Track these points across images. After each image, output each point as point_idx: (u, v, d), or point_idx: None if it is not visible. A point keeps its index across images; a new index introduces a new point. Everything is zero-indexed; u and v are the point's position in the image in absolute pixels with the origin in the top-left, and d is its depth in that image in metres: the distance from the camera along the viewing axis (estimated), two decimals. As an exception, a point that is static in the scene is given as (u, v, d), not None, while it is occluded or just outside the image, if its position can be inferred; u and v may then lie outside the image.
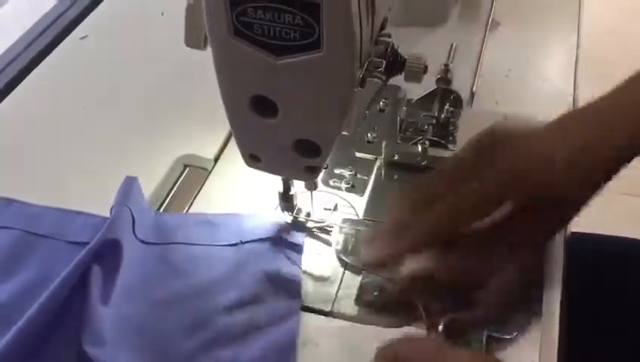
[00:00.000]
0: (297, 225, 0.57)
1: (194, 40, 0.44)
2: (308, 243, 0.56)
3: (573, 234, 0.62)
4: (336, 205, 0.58)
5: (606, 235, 0.72)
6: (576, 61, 0.72)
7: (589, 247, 0.70)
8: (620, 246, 0.72)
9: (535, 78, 0.71)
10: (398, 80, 0.49)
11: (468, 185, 0.43)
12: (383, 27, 0.47)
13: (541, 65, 0.72)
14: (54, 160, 0.65)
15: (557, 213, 0.46)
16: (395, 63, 0.45)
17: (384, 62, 0.43)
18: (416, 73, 0.46)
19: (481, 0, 0.81)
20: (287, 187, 0.55)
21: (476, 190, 0.43)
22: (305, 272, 0.53)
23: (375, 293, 0.51)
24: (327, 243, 0.55)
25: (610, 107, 0.47)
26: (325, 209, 0.58)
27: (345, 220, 0.57)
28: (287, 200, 0.56)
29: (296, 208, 0.57)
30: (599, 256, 0.69)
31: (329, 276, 0.53)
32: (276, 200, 0.57)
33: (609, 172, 0.45)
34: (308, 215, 0.57)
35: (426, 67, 0.46)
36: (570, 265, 0.53)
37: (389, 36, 0.45)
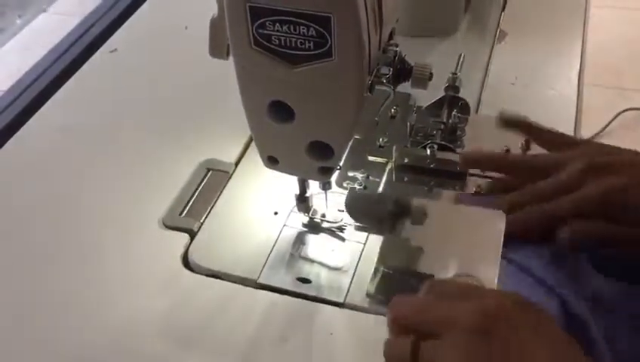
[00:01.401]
0: (313, 225, 0.60)
1: (217, 51, 0.48)
2: (323, 241, 0.59)
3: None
4: None
5: None
6: (580, 70, 0.75)
7: None
8: None
9: (540, 86, 0.73)
10: (406, 87, 0.53)
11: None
12: (391, 37, 0.51)
13: (546, 74, 0.74)
14: (87, 165, 0.69)
15: None
16: (402, 71, 0.49)
17: (391, 69, 0.47)
18: (423, 80, 0.49)
19: (489, 11, 0.84)
20: (303, 189, 0.58)
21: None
22: (321, 264, 0.57)
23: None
24: (342, 239, 0.59)
25: None
26: (339, 210, 0.61)
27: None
28: (303, 201, 0.59)
29: (312, 209, 0.60)
30: None
31: (342, 266, 0.56)
32: (293, 201, 0.60)
33: None
34: (323, 215, 0.60)
35: (432, 74, 0.49)
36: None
37: (397, 45, 0.49)
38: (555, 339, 0.39)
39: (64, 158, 0.70)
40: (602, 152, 0.55)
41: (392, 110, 0.69)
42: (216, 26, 0.46)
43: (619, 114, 1.79)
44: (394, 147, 0.64)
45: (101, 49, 0.83)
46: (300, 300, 0.55)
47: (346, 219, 0.60)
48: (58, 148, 0.71)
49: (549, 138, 0.57)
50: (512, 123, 0.58)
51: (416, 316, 0.41)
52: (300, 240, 0.59)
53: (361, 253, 0.57)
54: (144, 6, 0.92)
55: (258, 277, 0.56)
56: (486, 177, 0.62)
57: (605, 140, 1.74)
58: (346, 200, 0.59)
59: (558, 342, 0.39)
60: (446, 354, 0.38)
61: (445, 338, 0.39)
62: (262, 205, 0.62)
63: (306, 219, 0.60)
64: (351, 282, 0.55)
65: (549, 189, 0.52)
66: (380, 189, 0.62)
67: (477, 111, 0.70)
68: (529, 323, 0.39)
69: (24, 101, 0.80)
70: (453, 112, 0.65)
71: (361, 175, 0.63)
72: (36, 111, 0.76)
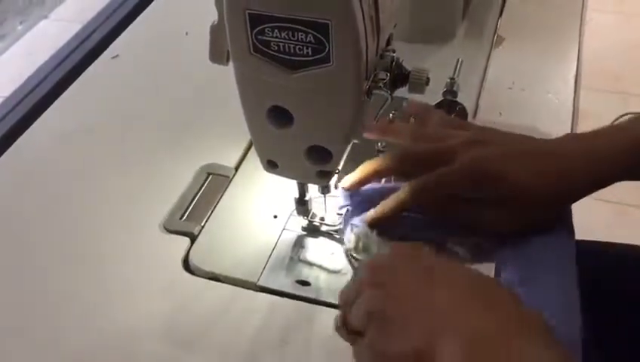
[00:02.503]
0: (312, 229, 0.61)
1: (217, 56, 0.48)
2: (322, 244, 0.60)
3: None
4: (348, 209, 0.62)
5: (607, 242, 0.74)
6: (576, 74, 0.76)
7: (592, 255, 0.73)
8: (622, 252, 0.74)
9: (537, 90, 0.74)
10: (405, 92, 0.53)
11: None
12: (388, 42, 0.52)
13: (543, 79, 0.75)
14: (88, 170, 0.70)
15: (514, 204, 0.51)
16: (400, 76, 0.50)
17: (389, 74, 0.48)
18: (420, 85, 0.50)
19: (486, 17, 0.85)
20: (302, 192, 0.59)
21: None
22: (320, 267, 0.57)
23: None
24: (341, 242, 0.59)
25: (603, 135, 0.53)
26: (338, 213, 0.62)
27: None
28: (302, 204, 0.60)
29: (311, 213, 0.61)
30: (601, 263, 0.71)
31: (340, 269, 0.57)
32: (292, 205, 0.61)
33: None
34: (322, 219, 0.61)
35: (428, 79, 0.50)
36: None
37: (394, 51, 0.49)
38: (456, 281, 0.42)
39: (65, 163, 0.71)
40: (485, 130, 0.57)
41: (390, 115, 0.70)
42: (216, 32, 0.47)
43: (617, 118, 1.79)
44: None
45: (103, 55, 0.84)
46: (299, 302, 0.55)
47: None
48: (59, 154, 0.72)
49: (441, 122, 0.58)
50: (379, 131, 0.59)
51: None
52: (299, 243, 0.60)
53: (360, 256, 0.57)
54: (145, 12, 0.92)
55: (258, 280, 0.57)
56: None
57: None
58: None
59: (460, 284, 0.42)
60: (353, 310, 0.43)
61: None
62: (261, 209, 0.63)
63: (305, 222, 0.61)
64: (350, 285, 0.55)
65: (425, 155, 0.54)
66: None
67: (475, 115, 0.71)
68: (421, 269, 0.43)
69: (26, 106, 0.81)
70: (451, 117, 0.66)
71: (360, 179, 0.64)
72: (38, 116, 0.77)
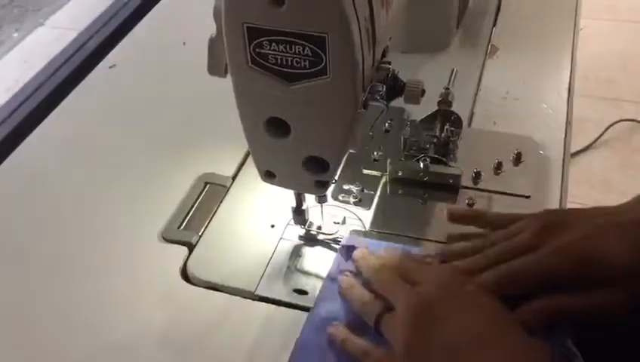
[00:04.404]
0: (309, 238, 0.61)
1: (216, 69, 0.49)
2: (319, 253, 0.60)
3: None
4: (344, 218, 0.62)
5: None
6: (570, 83, 0.76)
7: None
8: None
9: (531, 99, 0.74)
10: (400, 102, 0.54)
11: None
12: (384, 55, 0.52)
13: (537, 88, 0.76)
14: (86, 180, 0.70)
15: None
16: (396, 87, 0.50)
17: (385, 86, 0.48)
18: (415, 96, 0.51)
19: (480, 27, 0.86)
20: (299, 202, 0.59)
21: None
22: (317, 276, 0.58)
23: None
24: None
25: None
26: (335, 222, 0.62)
27: (352, 231, 0.61)
28: (299, 213, 0.60)
29: (308, 222, 0.61)
30: None
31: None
32: (289, 214, 0.61)
33: None
34: (319, 228, 0.62)
35: (424, 91, 0.51)
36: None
37: (389, 63, 0.50)
38: (483, 309, 0.45)
39: (63, 173, 0.71)
40: (556, 213, 0.54)
41: (386, 124, 0.71)
42: (214, 45, 0.48)
43: (612, 125, 1.81)
44: (388, 160, 0.65)
45: (100, 65, 0.85)
46: (297, 311, 0.56)
47: (342, 231, 0.61)
48: (57, 164, 0.73)
49: (496, 220, 0.56)
50: (461, 218, 0.58)
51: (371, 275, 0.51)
52: (296, 252, 0.60)
53: (357, 265, 0.58)
54: (142, 22, 0.93)
55: (256, 289, 0.57)
56: (478, 189, 0.63)
57: (599, 151, 1.77)
58: None
59: (485, 311, 0.45)
60: (394, 332, 0.46)
61: (394, 316, 0.47)
62: (259, 218, 0.63)
63: (302, 231, 0.61)
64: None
65: (502, 252, 0.50)
66: (375, 202, 0.64)
67: (469, 124, 0.72)
68: (455, 301, 0.45)
69: (22, 114, 0.81)
70: (446, 126, 0.67)
71: (356, 188, 0.65)
72: (34, 123, 0.77)
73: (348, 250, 0.57)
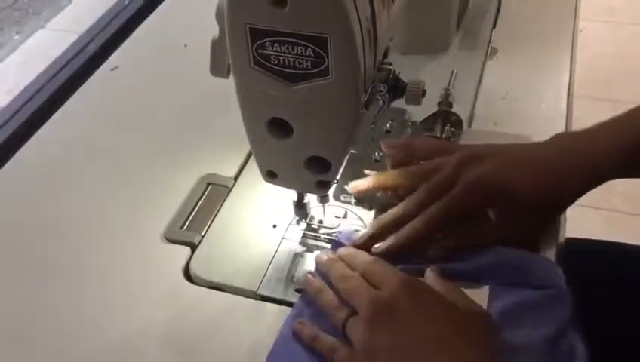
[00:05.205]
0: (311, 232, 0.62)
1: (218, 70, 0.49)
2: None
3: (567, 239, 0.66)
4: (346, 212, 0.63)
5: (599, 240, 0.75)
6: (569, 84, 0.77)
7: (584, 252, 0.74)
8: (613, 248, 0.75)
9: (531, 100, 0.75)
10: (402, 103, 0.55)
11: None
12: (385, 55, 0.53)
13: (537, 89, 0.76)
14: (88, 181, 0.70)
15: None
16: (397, 88, 0.51)
17: (386, 86, 0.49)
18: (416, 97, 0.51)
19: (480, 28, 0.86)
20: (301, 196, 0.60)
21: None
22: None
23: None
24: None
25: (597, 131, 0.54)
26: (336, 217, 0.63)
27: (353, 231, 0.61)
28: (301, 207, 0.60)
29: (310, 216, 0.62)
30: (593, 260, 0.73)
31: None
32: (291, 214, 0.62)
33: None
34: (320, 222, 0.62)
35: (425, 91, 0.52)
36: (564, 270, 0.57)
37: (391, 64, 0.51)
38: (441, 313, 0.47)
39: (66, 174, 0.72)
40: (472, 148, 0.59)
41: (388, 125, 0.71)
42: (217, 46, 0.48)
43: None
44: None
45: (102, 67, 0.85)
46: (298, 311, 0.56)
47: (343, 225, 0.61)
48: (60, 166, 0.73)
49: (423, 150, 0.60)
50: (394, 147, 0.62)
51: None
52: (298, 252, 0.61)
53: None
54: (144, 24, 0.93)
55: (258, 289, 0.58)
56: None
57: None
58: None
59: (442, 316, 0.47)
60: (356, 333, 0.48)
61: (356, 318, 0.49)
62: (261, 218, 0.64)
63: (304, 228, 0.62)
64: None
65: (426, 195, 0.56)
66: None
67: (469, 125, 0.72)
68: (414, 306, 0.47)
69: (23, 117, 0.81)
70: (447, 127, 0.67)
71: (358, 188, 0.65)
72: (35, 126, 0.78)
73: (338, 246, 0.58)
